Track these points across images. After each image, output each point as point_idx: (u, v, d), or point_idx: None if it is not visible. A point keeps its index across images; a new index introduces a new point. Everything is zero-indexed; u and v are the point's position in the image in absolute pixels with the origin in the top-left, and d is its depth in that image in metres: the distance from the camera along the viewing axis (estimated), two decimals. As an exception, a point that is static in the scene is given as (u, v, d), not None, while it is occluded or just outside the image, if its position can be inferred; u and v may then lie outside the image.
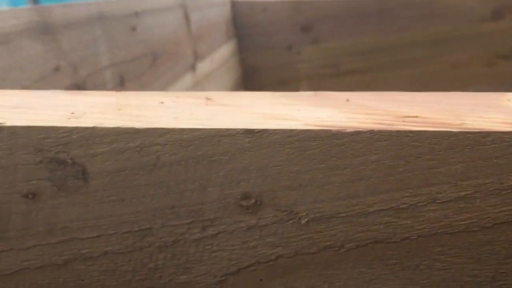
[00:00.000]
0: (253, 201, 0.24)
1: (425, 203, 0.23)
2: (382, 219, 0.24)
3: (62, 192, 0.25)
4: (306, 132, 0.22)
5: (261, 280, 0.26)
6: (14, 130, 0.24)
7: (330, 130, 0.22)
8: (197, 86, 1.23)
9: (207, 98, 0.28)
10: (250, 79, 1.79)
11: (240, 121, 0.23)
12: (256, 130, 0.23)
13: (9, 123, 0.24)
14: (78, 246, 0.26)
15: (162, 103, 0.27)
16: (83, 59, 0.70)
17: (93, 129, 0.24)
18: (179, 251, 0.26)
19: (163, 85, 1.00)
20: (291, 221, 0.24)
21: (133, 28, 0.87)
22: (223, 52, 1.53)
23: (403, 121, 0.22)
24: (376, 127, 0.22)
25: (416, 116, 0.23)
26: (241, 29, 1.74)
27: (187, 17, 1.19)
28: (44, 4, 0.63)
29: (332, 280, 0.25)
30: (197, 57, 1.25)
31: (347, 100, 0.26)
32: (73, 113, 0.26)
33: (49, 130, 0.24)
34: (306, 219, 0.24)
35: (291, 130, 0.22)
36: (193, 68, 1.21)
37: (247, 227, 0.25)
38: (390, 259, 0.24)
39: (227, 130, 0.23)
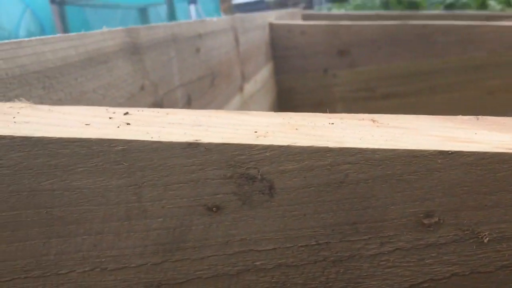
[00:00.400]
0: (435, 219, 0.25)
1: None
2: None
3: (246, 206, 0.26)
4: (499, 155, 0.23)
5: (430, 296, 0.27)
6: (209, 147, 0.26)
7: (526, 154, 0.23)
8: (244, 106, 1.25)
9: (373, 120, 0.29)
10: (285, 100, 1.81)
11: (429, 143, 0.25)
12: (449, 152, 0.24)
13: (204, 140, 0.26)
14: (253, 257, 0.28)
15: (332, 124, 0.28)
16: (161, 79, 0.72)
17: (287, 147, 0.25)
18: (352, 266, 0.27)
19: (220, 105, 1.02)
20: (471, 240, 0.25)
21: (198, 50, 0.90)
22: (264, 74, 1.56)
23: None
24: None
25: None
26: (278, 51, 1.76)
27: (237, 40, 1.22)
28: (133, 26, 0.65)
29: (504, 299, 0.26)
30: (244, 78, 1.28)
31: (517, 125, 0.27)
32: (256, 131, 0.27)
33: (244, 147, 0.25)
34: (487, 239, 0.25)
35: (485, 153, 0.24)
36: (241, 89, 1.23)
37: (426, 245, 0.26)
38: None
39: (420, 151, 0.24)
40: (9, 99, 0.40)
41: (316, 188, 0.26)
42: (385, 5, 3.42)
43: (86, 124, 0.29)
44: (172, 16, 4.29)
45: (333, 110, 1.57)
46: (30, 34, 5.70)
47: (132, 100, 0.62)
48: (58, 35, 0.48)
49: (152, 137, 0.26)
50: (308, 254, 0.27)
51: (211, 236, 0.27)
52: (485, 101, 1.75)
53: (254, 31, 1.46)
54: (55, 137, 0.27)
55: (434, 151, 0.24)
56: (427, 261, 0.26)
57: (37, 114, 0.31)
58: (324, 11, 3.32)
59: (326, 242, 0.27)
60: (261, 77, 1.51)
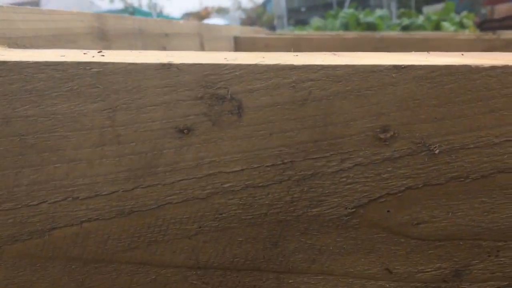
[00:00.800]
0: (391, 133, 0.27)
1: (545, 132, 0.27)
2: (506, 150, 0.27)
3: (216, 127, 0.28)
4: (448, 67, 0.26)
5: (388, 211, 0.29)
6: (181, 68, 0.27)
7: (470, 65, 0.26)
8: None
9: (333, 54, 0.31)
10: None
11: (386, 60, 0.27)
12: (403, 66, 0.26)
13: (176, 61, 0.27)
14: (222, 180, 0.29)
15: (297, 55, 0.31)
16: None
17: (255, 65, 0.27)
18: (315, 184, 0.29)
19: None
20: (423, 153, 0.28)
21: (164, 48, 0.92)
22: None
23: (527, 61, 0.26)
24: (509, 63, 0.26)
25: (535, 59, 0.27)
26: (243, 63, 1.80)
27: (202, 45, 1.24)
28: (102, 13, 0.67)
29: (455, 210, 0.28)
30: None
31: (462, 54, 0.30)
32: (225, 58, 0.29)
33: (215, 67, 0.27)
34: (437, 151, 0.27)
35: (435, 66, 0.26)
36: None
37: (382, 159, 0.28)
38: (510, 188, 0.28)
39: (376, 66, 0.27)
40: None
41: (281, 106, 0.28)
42: (345, 27, 3.53)
43: (62, 55, 0.30)
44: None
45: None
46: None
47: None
48: (29, 7, 0.49)
49: (127, 61, 0.28)
50: (274, 174, 0.29)
51: (181, 159, 0.29)
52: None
53: (219, 41, 1.49)
54: (32, 61, 0.28)
55: (389, 65, 0.26)
56: (383, 176, 0.28)
57: (12, 52, 0.32)
58: (287, 32, 3.40)
59: (291, 161, 0.28)
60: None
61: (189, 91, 0.28)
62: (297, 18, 7.50)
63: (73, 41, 0.57)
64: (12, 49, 0.33)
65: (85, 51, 0.32)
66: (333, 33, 3.04)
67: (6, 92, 0.28)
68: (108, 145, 0.29)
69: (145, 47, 0.81)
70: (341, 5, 6.99)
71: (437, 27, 3.15)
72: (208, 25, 1.36)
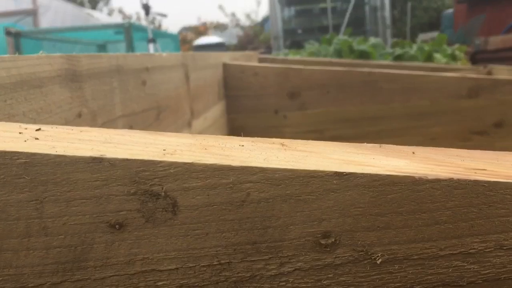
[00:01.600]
0: (332, 240, 0.26)
1: (492, 249, 0.25)
2: (451, 263, 0.26)
3: (149, 223, 0.27)
4: (390, 177, 0.25)
5: (330, 318, 0.27)
6: (114, 162, 0.26)
7: (413, 177, 0.25)
8: (192, 142, 1.25)
9: (282, 144, 0.30)
10: (236, 139, 1.83)
11: (328, 165, 0.26)
12: (345, 173, 0.25)
13: (108, 155, 0.26)
14: (155, 278, 0.27)
15: (243, 145, 0.29)
16: (101, 108, 0.72)
17: (191, 164, 0.26)
18: (253, 287, 0.27)
19: (164, 139, 1.02)
20: (365, 261, 0.26)
21: (144, 83, 0.90)
22: (215, 112, 1.57)
23: (475, 173, 0.25)
24: (454, 176, 0.25)
25: (484, 169, 0.26)
26: (231, 90, 1.79)
27: (187, 76, 1.23)
28: (74, 54, 0.65)
29: (398, 321, 0.27)
30: (193, 115, 1.28)
31: (413, 152, 0.28)
32: (164, 149, 0.27)
33: (148, 163, 0.26)
34: (380, 260, 0.26)
35: (377, 175, 0.25)
36: (189, 125, 1.23)
37: (323, 265, 0.27)
38: (455, 301, 0.26)
39: (317, 172, 0.25)
40: None
41: (218, 206, 0.26)
42: (338, 54, 3.56)
43: (-7, 138, 0.28)
44: (131, 51, 4.30)
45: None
46: (-18, 63, 5.56)
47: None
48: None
49: (56, 151, 0.26)
50: (210, 275, 0.27)
51: (113, 255, 0.27)
52: (428, 147, 1.82)
53: (206, 70, 1.48)
54: (-45, 148, 0.26)
55: (330, 172, 0.25)
56: (324, 282, 0.27)
57: None
58: (281, 56, 3.41)
59: (228, 262, 0.27)
60: (212, 114, 1.52)
61: (121, 186, 0.26)
62: (294, 40, 7.53)
63: (38, 86, 0.56)
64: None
65: (22, 129, 0.30)
66: (325, 59, 3.06)
67: None
68: (35, 236, 0.27)
69: (122, 85, 0.80)
70: (337, 29, 7.04)
71: (429, 58, 3.17)
72: (193, 54, 1.35)
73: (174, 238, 0.27)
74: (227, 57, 1.88)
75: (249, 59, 2.61)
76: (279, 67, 1.80)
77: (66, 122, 0.62)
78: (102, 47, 5.90)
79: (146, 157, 0.26)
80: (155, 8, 4.66)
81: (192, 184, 0.26)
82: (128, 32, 4.09)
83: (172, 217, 0.26)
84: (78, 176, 0.26)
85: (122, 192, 0.26)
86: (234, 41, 12.61)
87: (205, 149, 0.28)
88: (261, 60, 3.02)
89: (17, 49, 4.29)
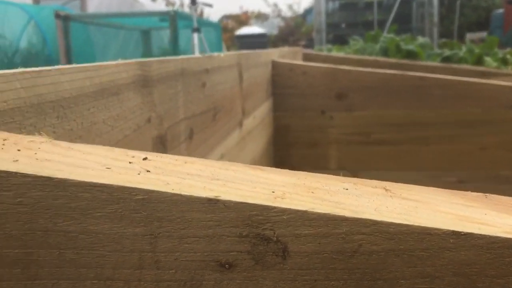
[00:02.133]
0: (443, 297, 0.26)
1: None
2: None
3: (259, 266, 0.27)
4: (509, 240, 0.24)
5: None
6: (228, 205, 0.26)
7: (536, 243, 0.24)
8: (242, 142, 1.26)
9: (385, 189, 0.30)
10: (281, 137, 1.83)
11: (442, 221, 0.25)
12: (462, 233, 0.25)
13: (223, 196, 0.27)
14: (258, 317, 0.28)
15: (347, 189, 0.29)
16: (167, 112, 0.73)
17: (305, 212, 0.26)
18: (356, 334, 0.27)
19: (219, 139, 1.03)
20: (475, 320, 0.26)
21: (203, 84, 0.91)
22: (263, 110, 1.57)
23: None
24: None
25: None
26: (278, 88, 1.79)
27: (241, 76, 1.24)
28: (145, 59, 0.66)
29: None
30: (245, 114, 1.29)
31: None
32: (273, 191, 0.28)
33: (262, 208, 0.26)
34: (491, 320, 0.26)
35: (496, 237, 0.24)
36: (240, 124, 1.24)
37: (430, 320, 0.26)
38: None
39: (434, 229, 0.25)
40: (24, 128, 0.41)
41: (329, 255, 0.26)
42: (384, 52, 3.49)
43: (107, 168, 0.29)
44: (175, 41, 4.34)
45: (327, 152, 1.59)
46: (31, 46, 5.73)
47: (138, 132, 0.63)
48: (75, 65, 0.49)
49: (173, 189, 0.27)
50: (314, 319, 0.27)
51: (220, 291, 0.28)
52: (476, 157, 1.78)
53: (257, 68, 1.48)
54: (77, 180, 0.27)
55: (447, 230, 0.25)
56: (430, 337, 0.27)
57: (57, 151, 0.31)
58: (324, 52, 3.38)
59: (333, 309, 0.27)
60: (260, 113, 1.52)
61: (234, 228, 0.27)
62: (336, 34, 7.43)
63: (116, 93, 0.57)
64: (55, 143, 0.33)
65: (130, 157, 0.31)
66: (371, 58, 3.01)
67: (49, 207, 0.28)
68: (147, 269, 0.28)
69: (185, 87, 0.81)
70: (381, 24, 6.89)
71: (479, 61, 3.08)
72: (247, 53, 1.36)
73: (282, 282, 0.27)
74: (275, 55, 1.87)
75: (295, 55, 2.60)
76: (328, 67, 1.79)
77: (138, 127, 0.63)
78: (146, 33, 5.97)
79: (258, 201, 0.26)
80: (200, -4, 4.68)
81: (304, 231, 0.26)
82: (174, 20, 4.13)
83: (281, 262, 0.27)
84: (193, 215, 0.27)
85: (234, 233, 0.27)
86: (274, 31, 12.55)
87: (312, 192, 0.28)
88: (305, 56, 3.00)
89: (66, 32, 4.39)
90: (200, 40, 4.30)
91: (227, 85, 1.10)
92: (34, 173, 0.27)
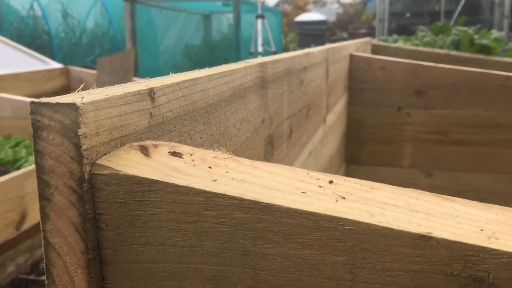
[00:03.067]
0: None
1: None
2: None
3: (466, 305, 0.26)
4: None
5: None
6: (442, 243, 0.26)
7: None
8: (324, 137, 1.25)
9: None
10: (354, 132, 1.80)
11: None
12: None
13: (436, 234, 0.26)
14: None
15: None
16: (275, 112, 0.73)
17: (526, 258, 0.25)
18: None
19: (309, 136, 1.02)
20: None
21: (301, 82, 0.91)
22: (340, 105, 1.55)
23: None
24: None
25: None
26: (354, 82, 1.76)
27: (327, 72, 1.22)
28: (259, 59, 0.66)
29: None
30: (328, 109, 1.28)
31: None
32: (481, 230, 0.27)
33: (478, 249, 0.25)
34: None
35: None
36: (324, 120, 1.23)
37: None
38: None
39: None
40: (181, 135, 0.42)
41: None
42: (456, 45, 3.37)
43: (303, 192, 0.29)
44: (237, 27, 4.35)
45: (401, 149, 1.55)
46: (97, 26, 5.91)
47: (255, 133, 0.63)
48: (216, 71, 0.50)
49: (380, 222, 0.27)
50: None
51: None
52: None
53: (340, 62, 1.46)
54: (284, 206, 0.27)
55: None
56: None
57: (245, 170, 0.32)
58: (395, 44, 3.28)
59: None
60: (338, 107, 1.51)
61: (443, 266, 0.26)
62: (399, 23, 7.20)
63: (242, 96, 0.57)
64: (237, 159, 0.33)
65: (315, 179, 0.31)
66: (443, 51, 2.91)
67: (251, 229, 0.28)
68: (343, 296, 0.28)
69: (289, 86, 0.80)
70: (448, 15, 6.61)
71: (559, 58, 2.91)
72: (333, 48, 1.34)
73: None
74: (352, 48, 1.84)
75: (365, 47, 2.55)
76: (409, 63, 1.74)
77: (256, 129, 0.63)
78: (207, 17, 6.03)
79: (472, 241, 0.26)
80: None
81: (522, 276, 0.25)
82: (237, 6, 4.14)
83: (491, 303, 0.26)
84: (401, 250, 0.26)
85: (444, 272, 0.26)
86: (332, 18, 12.32)
87: (521, 232, 0.27)
88: (374, 47, 2.93)
89: (132, 14, 4.49)
90: (263, 26, 4.29)
91: (317, 81, 1.09)
92: (240, 196, 0.28)
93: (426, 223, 0.27)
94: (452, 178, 1.78)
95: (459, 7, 6.58)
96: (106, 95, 0.31)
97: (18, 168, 2.12)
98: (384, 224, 0.27)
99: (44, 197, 0.29)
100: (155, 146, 0.33)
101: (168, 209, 0.29)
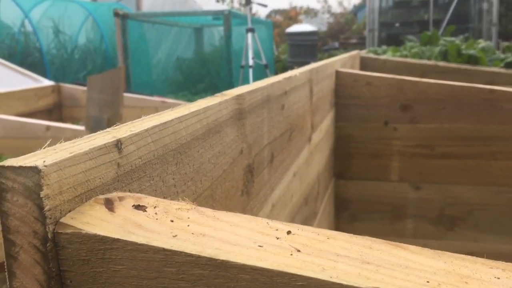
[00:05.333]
0: None
1: None
2: None
3: None
4: None
5: None
6: (389, 297, 0.27)
7: None
8: (310, 157, 1.26)
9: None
10: (342, 147, 1.82)
11: None
12: None
13: (382, 287, 0.27)
14: None
15: (498, 278, 0.29)
16: (255, 140, 0.74)
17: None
18: None
19: (293, 158, 1.03)
20: None
21: (282, 107, 0.92)
22: (327, 121, 1.57)
23: None
24: None
25: None
26: (341, 98, 1.78)
27: (311, 92, 1.24)
28: (236, 90, 0.68)
29: None
30: (313, 128, 1.29)
31: None
32: (428, 281, 0.28)
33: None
34: None
35: None
36: (309, 139, 1.24)
37: None
38: None
39: None
40: (152, 179, 0.43)
41: None
42: (444, 56, 3.40)
43: (260, 246, 0.30)
44: (228, 40, 4.38)
45: (389, 163, 1.57)
46: (89, 41, 5.93)
47: (233, 165, 0.64)
48: (188, 111, 0.51)
49: (331, 277, 0.28)
50: None
51: None
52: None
53: (324, 81, 1.48)
54: (238, 262, 0.28)
55: None
56: None
57: (207, 222, 0.33)
58: (384, 56, 3.31)
59: None
60: (325, 125, 1.52)
61: (392, 318, 0.27)
62: (389, 33, 7.27)
63: (218, 131, 0.58)
64: (200, 210, 0.34)
65: (273, 230, 0.32)
66: (431, 63, 2.94)
67: (209, 284, 0.29)
68: None
69: (269, 113, 0.82)
70: (437, 24, 6.69)
71: (546, 67, 2.95)
72: (316, 68, 1.35)
73: None
74: (338, 64, 1.86)
75: (353, 60, 2.57)
76: (393, 78, 1.76)
77: (233, 160, 0.65)
78: (198, 30, 6.05)
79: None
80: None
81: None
82: (228, 19, 4.17)
83: None
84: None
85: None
86: (323, 28, 12.39)
87: (466, 283, 0.28)
88: (362, 60, 2.96)
89: (123, 30, 4.51)
90: (253, 39, 4.32)
91: (301, 103, 1.10)
92: (197, 253, 0.29)
93: (375, 276, 0.28)
94: (440, 191, 1.80)
95: (448, 16, 6.66)
96: (71, 153, 0.32)
97: (9, 189, 2.12)
98: (335, 279, 0.28)
99: (10, 256, 0.30)
100: (121, 198, 0.34)
101: (130, 266, 0.30)
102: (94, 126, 2.59)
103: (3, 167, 0.29)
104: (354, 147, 1.85)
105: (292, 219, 1.04)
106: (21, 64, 4.07)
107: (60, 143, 0.35)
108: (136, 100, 3.27)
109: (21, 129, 2.39)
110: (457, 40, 3.60)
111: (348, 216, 1.89)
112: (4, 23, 5.43)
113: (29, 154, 0.32)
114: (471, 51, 3.13)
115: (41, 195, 0.29)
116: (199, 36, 6.05)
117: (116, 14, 4.39)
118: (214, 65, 5.55)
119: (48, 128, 2.38)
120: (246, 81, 4.73)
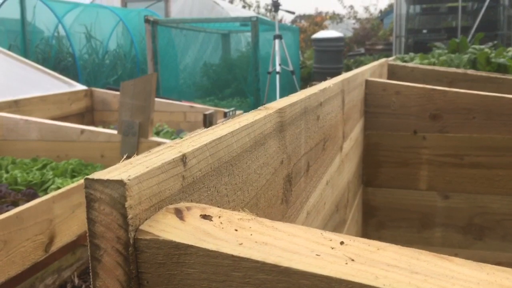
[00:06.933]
0: None
1: None
2: None
3: None
4: None
5: None
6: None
7: None
8: (341, 165, 1.29)
9: None
10: (371, 156, 1.84)
11: None
12: None
13: (432, 296, 0.30)
14: None
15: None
16: (293, 151, 0.78)
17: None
18: None
19: (326, 167, 1.06)
20: None
21: (318, 118, 0.95)
22: (356, 130, 1.59)
23: None
24: None
25: None
26: (370, 107, 1.80)
27: (343, 102, 1.26)
28: (278, 104, 0.71)
29: None
30: (344, 137, 1.32)
31: None
32: (473, 291, 0.31)
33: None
34: None
35: None
36: (341, 148, 1.27)
37: None
38: None
39: None
40: (208, 189, 0.46)
41: None
42: (472, 63, 3.38)
43: (317, 255, 0.34)
44: (255, 47, 4.43)
45: (417, 172, 1.58)
46: (120, 47, 6.06)
47: (274, 175, 0.68)
48: (239, 126, 0.55)
49: (384, 285, 0.31)
50: None
51: None
52: None
53: (355, 90, 1.51)
54: (299, 269, 0.32)
55: None
56: None
57: (267, 232, 0.36)
58: (411, 64, 3.30)
59: None
60: (355, 134, 1.55)
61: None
62: (417, 39, 7.23)
63: (263, 143, 0.62)
64: (259, 220, 0.38)
65: (327, 240, 0.36)
66: (460, 71, 2.93)
67: (272, 288, 0.33)
68: None
69: (306, 124, 0.85)
70: (465, 31, 6.63)
71: None
72: (348, 78, 1.38)
73: None
74: (368, 73, 1.88)
75: (382, 69, 2.59)
76: (423, 88, 1.77)
77: (275, 171, 0.68)
78: (225, 36, 6.12)
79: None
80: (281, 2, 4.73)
81: (507, 334, 0.29)
82: (256, 26, 4.22)
83: None
84: (402, 309, 0.31)
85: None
86: (349, 33, 12.37)
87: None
88: (390, 67, 2.97)
89: (153, 36, 4.61)
90: (281, 45, 4.35)
91: (333, 113, 1.13)
92: (262, 260, 0.32)
93: (424, 284, 0.31)
94: (469, 200, 1.80)
95: (476, 23, 6.59)
96: (147, 167, 0.36)
97: (45, 189, 2.20)
98: (388, 287, 0.31)
99: (94, 258, 0.34)
100: (188, 208, 0.38)
101: (201, 269, 0.33)
102: (126, 130, 2.66)
103: (92, 179, 0.33)
104: (382, 155, 1.86)
105: (324, 226, 1.07)
106: (54, 68, 4.20)
107: (134, 157, 0.39)
108: (166, 104, 3.34)
109: (57, 132, 2.48)
110: (486, 48, 3.57)
111: (375, 223, 1.90)
112: (38, 28, 5.61)
113: (111, 168, 0.36)
114: (501, 60, 3.10)
115: (126, 205, 0.33)
116: (226, 41, 6.12)
117: (146, 21, 4.48)
118: (241, 71, 5.61)
119: (82, 131, 2.46)
120: (272, 87, 4.78)
